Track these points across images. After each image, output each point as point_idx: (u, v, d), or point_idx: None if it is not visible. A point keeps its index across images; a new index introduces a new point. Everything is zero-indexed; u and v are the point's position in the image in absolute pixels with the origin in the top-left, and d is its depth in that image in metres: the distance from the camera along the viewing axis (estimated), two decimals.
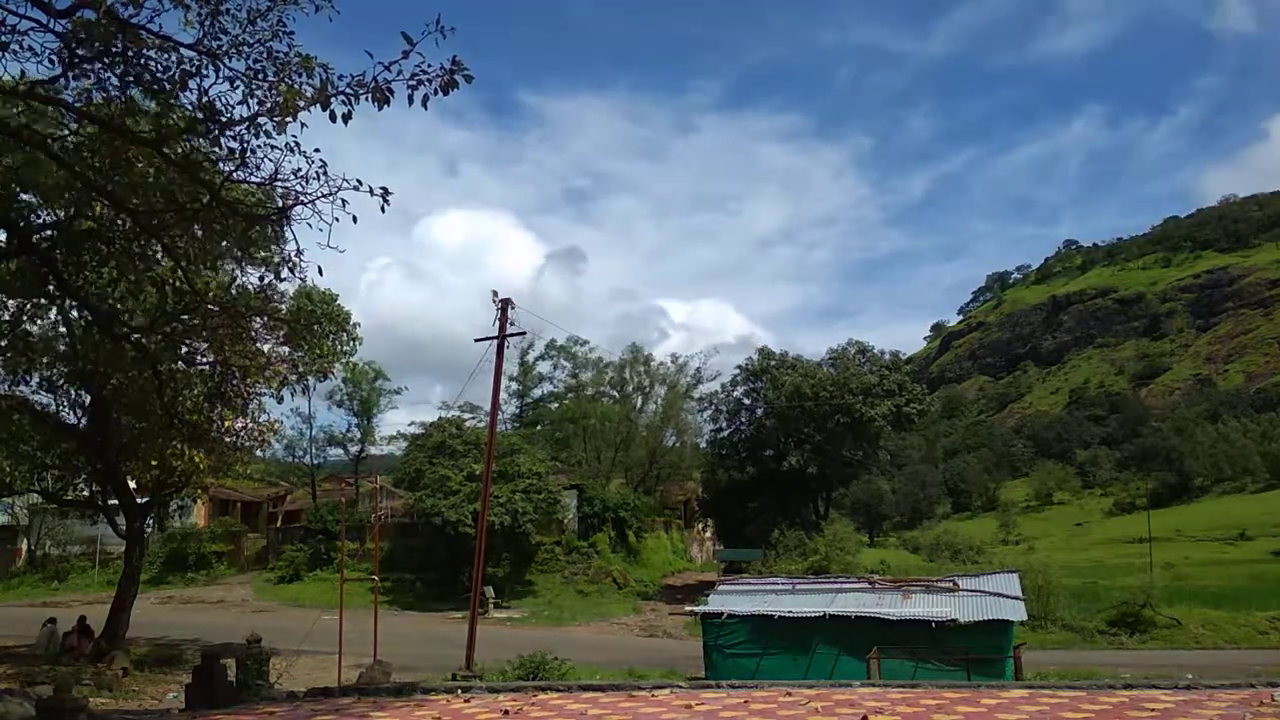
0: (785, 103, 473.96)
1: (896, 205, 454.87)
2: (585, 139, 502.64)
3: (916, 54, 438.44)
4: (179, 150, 9.81)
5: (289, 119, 8.56)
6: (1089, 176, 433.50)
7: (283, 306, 18.45)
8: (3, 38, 8.30)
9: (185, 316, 16.17)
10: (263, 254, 14.15)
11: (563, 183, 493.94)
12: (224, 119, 8.90)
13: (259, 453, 29.29)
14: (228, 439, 22.63)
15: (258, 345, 18.77)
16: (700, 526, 68.69)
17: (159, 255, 13.50)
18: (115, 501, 25.76)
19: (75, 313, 17.51)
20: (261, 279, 14.49)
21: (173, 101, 9.07)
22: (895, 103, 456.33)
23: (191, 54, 8.51)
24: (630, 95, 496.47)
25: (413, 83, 8.10)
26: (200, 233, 11.79)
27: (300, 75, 8.42)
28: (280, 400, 24.95)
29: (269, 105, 8.60)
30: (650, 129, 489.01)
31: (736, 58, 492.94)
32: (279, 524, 55.75)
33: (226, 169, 10.19)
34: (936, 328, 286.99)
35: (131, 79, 8.64)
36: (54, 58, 8.54)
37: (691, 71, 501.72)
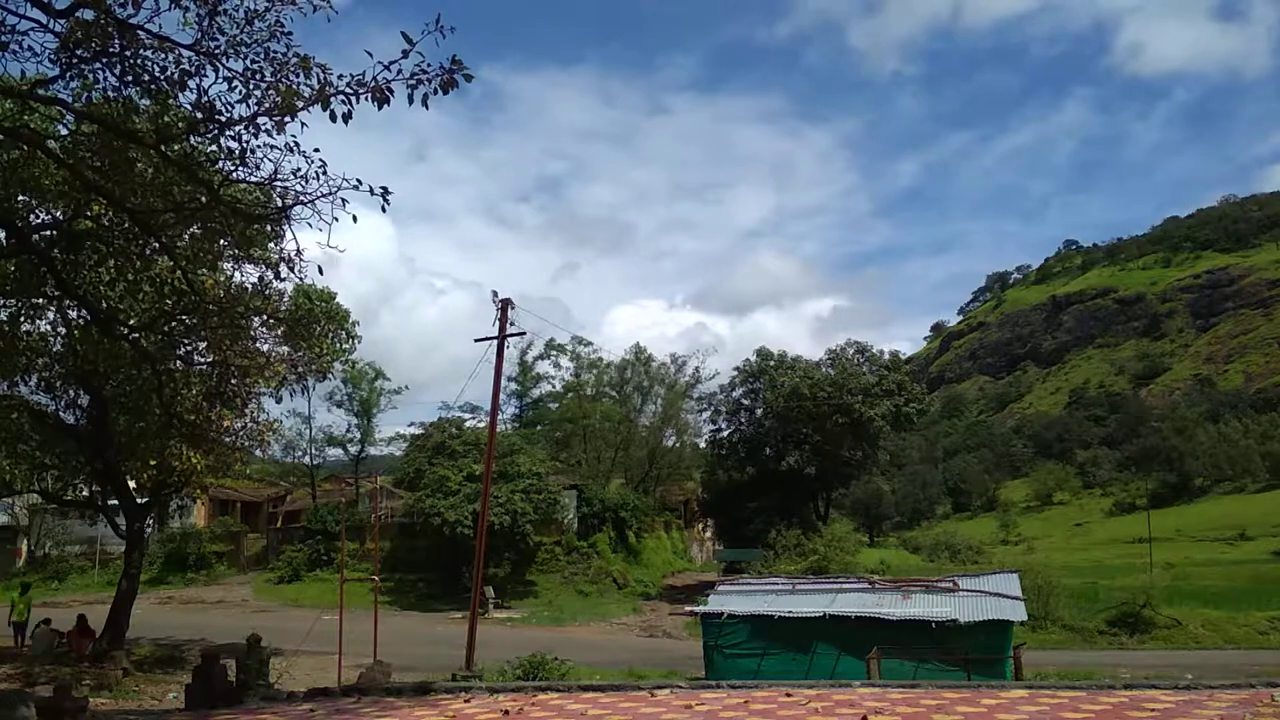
0: (763, 81, 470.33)
1: (887, 194, 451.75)
2: (555, 120, 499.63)
3: (901, 35, 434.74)
4: (178, 150, 9.80)
5: (288, 119, 8.56)
6: (1083, 165, 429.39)
7: (281, 305, 18.46)
8: (2, 38, 8.30)
9: (184, 316, 16.16)
10: (261, 253, 14.15)
11: (537, 167, 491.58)
12: (223, 119, 8.89)
13: (258, 453, 29.25)
14: (227, 439, 22.61)
15: (257, 344, 18.77)
16: (700, 526, 68.66)
17: (158, 255, 13.49)
18: (115, 502, 25.74)
19: (74, 312, 17.49)
20: (260, 278, 14.50)
21: (171, 101, 9.07)
22: (881, 85, 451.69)
23: (190, 54, 8.50)
24: (600, 72, 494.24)
25: (412, 82, 8.09)
26: (199, 232, 11.79)
27: (299, 75, 8.41)
28: (279, 400, 24.94)
29: (268, 105, 8.60)
30: (622, 109, 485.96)
31: (708, 33, 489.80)
32: (279, 524, 55.73)
33: (225, 169, 10.19)
34: (936, 328, 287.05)
35: (130, 79, 8.63)
36: (53, 57, 8.54)
37: (662, 47, 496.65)
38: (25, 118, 10.84)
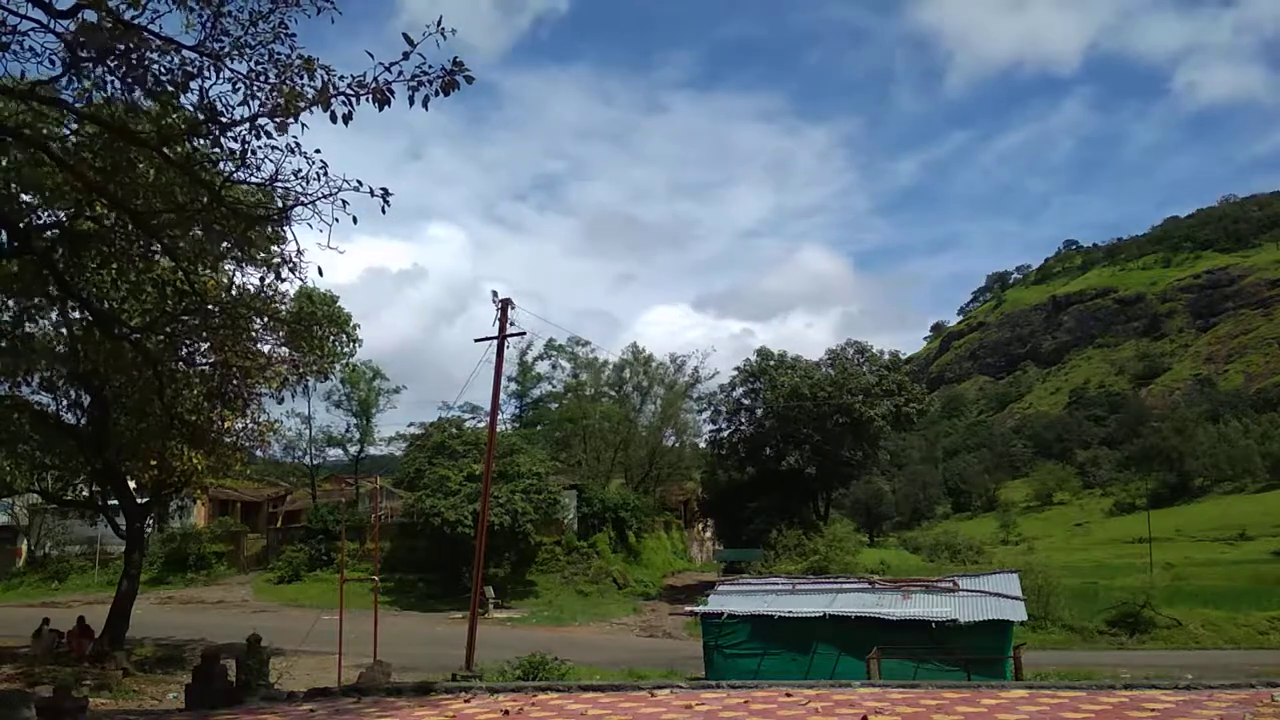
0: (760, 79, 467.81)
1: (886, 193, 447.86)
2: (553, 118, 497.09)
3: (895, 30, 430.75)
4: (180, 151, 9.82)
5: (290, 120, 8.57)
6: (1083, 165, 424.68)
7: (283, 307, 18.48)
8: (4, 38, 8.31)
9: (185, 317, 16.17)
10: (262, 254, 14.15)
11: (535, 167, 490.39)
12: (225, 120, 8.91)
13: (258, 453, 29.29)
14: (227, 439, 22.65)
15: (258, 346, 18.80)
16: (700, 526, 68.68)
17: (159, 256, 13.52)
18: (115, 502, 25.77)
19: (76, 313, 17.51)
20: (262, 279, 14.51)
21: (174, 103, 9.08)
22: (877, 82, 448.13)
23: (193, 55, 8.52)
24: (596, 70, 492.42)
25: (413, 84, 8.12)
26: (201, 233, 11.80)
27: (302, 77, 8.42)
28: (280, 401, 24.99)
29: (270, 106, 8.62)
30: (619, 109, 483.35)
31: (705, 30, 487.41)
32: (279, 524, 55.76)
33: (227, 170, 10.21)
34: (936, 328, 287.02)
35: (133, 80, 8.64)
36: (55, 58, 8.55)
37: (659, 44, 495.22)
38: (28, 119, 10.85)
